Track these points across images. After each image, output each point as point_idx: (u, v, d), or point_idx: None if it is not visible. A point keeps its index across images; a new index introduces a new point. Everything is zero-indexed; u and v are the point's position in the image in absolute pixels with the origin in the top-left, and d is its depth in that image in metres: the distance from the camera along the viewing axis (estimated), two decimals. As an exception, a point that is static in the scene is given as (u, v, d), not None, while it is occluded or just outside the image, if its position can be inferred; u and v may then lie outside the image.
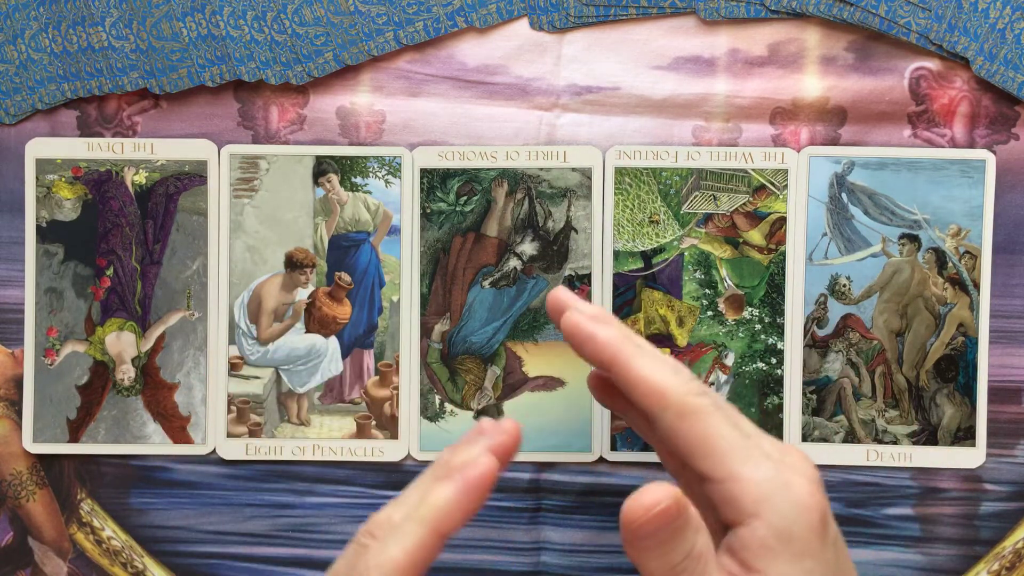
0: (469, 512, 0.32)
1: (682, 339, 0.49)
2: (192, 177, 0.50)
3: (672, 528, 0.31)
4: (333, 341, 0.50)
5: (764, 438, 0.34)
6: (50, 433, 0.50)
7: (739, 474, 0.32)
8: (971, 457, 0.49)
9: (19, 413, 0.50)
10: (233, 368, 0.50)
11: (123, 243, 0.50)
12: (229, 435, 0.50)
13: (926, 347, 0.49)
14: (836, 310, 0.49)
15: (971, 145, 0.49)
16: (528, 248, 0.50)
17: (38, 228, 0.50)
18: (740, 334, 0.49)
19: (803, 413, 0.49)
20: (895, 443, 0.49)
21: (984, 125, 0.49)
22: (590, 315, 0.36)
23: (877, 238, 0.49)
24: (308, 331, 0.50)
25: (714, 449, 0.33)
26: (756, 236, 0.49)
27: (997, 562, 0.49)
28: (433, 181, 0.49)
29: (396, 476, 0.50)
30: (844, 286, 0.49)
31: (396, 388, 0.50)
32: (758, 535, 0.32)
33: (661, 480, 0.33)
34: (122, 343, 0.50)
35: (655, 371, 0.34)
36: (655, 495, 0.31)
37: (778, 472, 0.32)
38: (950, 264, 0.49)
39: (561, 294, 0.37)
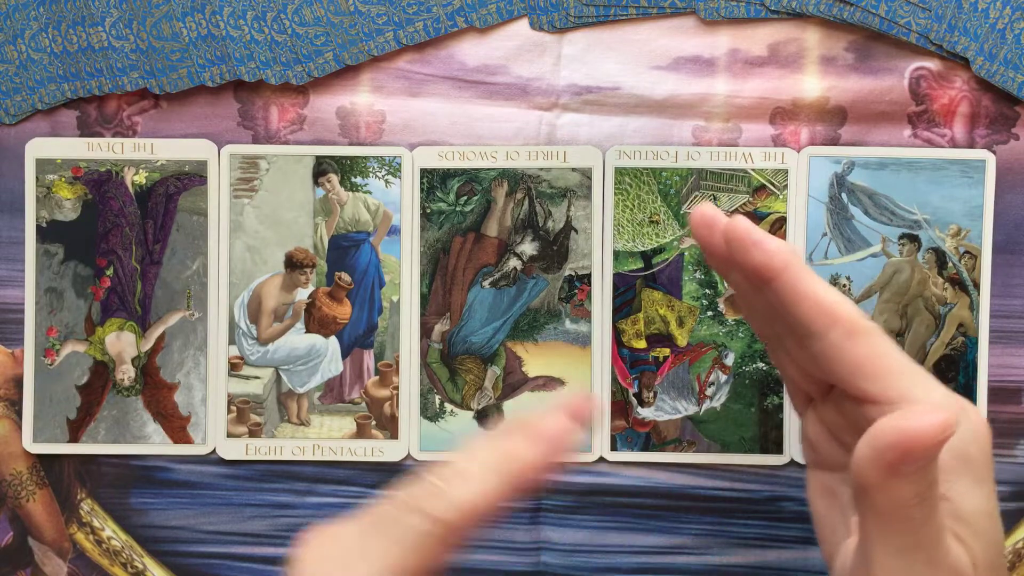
0: (543, 466, 0.31)
1: (682, 339, 0.49)
2: (192, 177, 0.50)
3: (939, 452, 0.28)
4: (333, 341, 0.50)
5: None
6: (50, 433, 0.50)
7: (914, 395, 0.31)
8: (971, 457, 0.49)
9: (19, 413, 0.50)
10: (233, 368, 0.50)
11: (123, 243, 0.50)
12: (229, 435, 0.50)
13: (926, 347, 0.49)
14: (836, 310, 0.49)
15: (971, 145, 0.49)
16: (528, 248, 0.50)
17: (38, 228, 0.50)
18: (740, 334, 0.49)
19: (803, 413, 0.49)
20: (895, 443, 0.49)
21: (984, 125, 0.49)
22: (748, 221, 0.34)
23: (877, 238, 0.49)
24: (308, 331, 0.50)
25: (886, 370, 0.31)
26: (756, 236, 0.49)
27: (997, 562, 0.49)
28: (433, 181, 0.49)
29: (396, 476, 0.50)
30: (844, 286, 0.49)
31: (396, 388, 0.50)
32: (939, 457, 0.29)
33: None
34: (122, 343, 0.50)
35: (825, 288, 0.32)
36: (943, 416, 0.28)
37: (953, 396, 0.31)
38: (950, 264, 0.49)
39: (710, 208, 0.35)
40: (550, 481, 0.33)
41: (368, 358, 0.50)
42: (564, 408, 0.32)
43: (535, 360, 0.50)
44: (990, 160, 0.48)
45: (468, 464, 0.31)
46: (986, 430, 0.32)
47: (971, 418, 0.31)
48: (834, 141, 0.49)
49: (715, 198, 0.49)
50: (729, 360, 0.49)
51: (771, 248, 0.33)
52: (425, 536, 0.30)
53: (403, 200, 0.49)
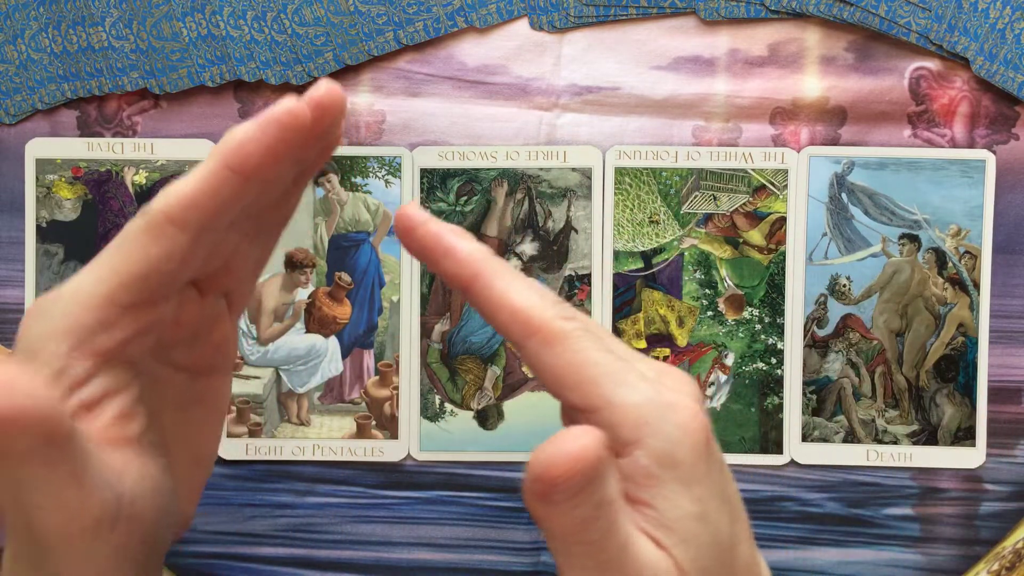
0: (265, 145, 0.28)
1: (682, 339, 0.49)
2: (192, 177, 0.50)
3: (596, 477, 0.27)
4: (333, 341, 0.50)
5: (641, 360, 0.31)
6: (50, 433, 0.50)
7: (614, 400, 0.28)
8: (971, 457, 0.49)
9: (19, 413, 0.50)
10: (233, 368, 0.50)
11: (123, 243, 0.50)
12: (229, 435, 0.50)
13: (926, 347, 0.49)
14: (836, 310, 0.49)
15: (971, 145, 0.49)
16: (528, 248, 0.50)
17: (38, 228, 0.50)
18: (740, 334, 0.49)
19: (803, 413, 0.49)
20: (895, 443, 0.49)
21: (984, 125, 0.49)
22: (450, 228, 0.31)
23: (877, 238, 0.49)
24: (308, 331, 0.50)
25: (586, 377, 0.29)
26: (756, 236, 0.49)
27: (997, 562, 0.49)
28: (433, 181, 0.49)
29: (396, 476, 0.50)
30: (844, 286, 0.49)
31: (396, 388, 0.50)
32: (640, 464, 0.28)
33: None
34: (122, 343, 0.50)
35: (519, 292, 0.29)
36: (584, 440, 0.26)
37: (657, 393, 0.29)
38: (950, 264, 0.49)
39: (411, 209, 0.31)
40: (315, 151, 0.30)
41: (368, 358, 0.50)
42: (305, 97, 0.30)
43: (535, 360, 0.50)
44: (990, 160, 0.48)
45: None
46: (698, 426, 0.29)
47: (677, 418, 0.29)
48: (834, 141, 0.49)
49: (715, 198, 0.49)
50: (729, 360, 0.49)
51: (461, 256, 0.30)
52: (143, 231, 0.29)
53: (403, 200, 0.49)
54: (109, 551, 0.29)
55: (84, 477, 0.27)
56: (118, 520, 0.29)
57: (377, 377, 0.50)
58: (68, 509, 0.27)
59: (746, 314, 0.49)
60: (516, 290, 0.30)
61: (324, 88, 0.29)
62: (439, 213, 0.49)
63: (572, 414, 0.30)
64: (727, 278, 0.49)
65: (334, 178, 0.50)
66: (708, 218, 0.49)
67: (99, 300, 0.29)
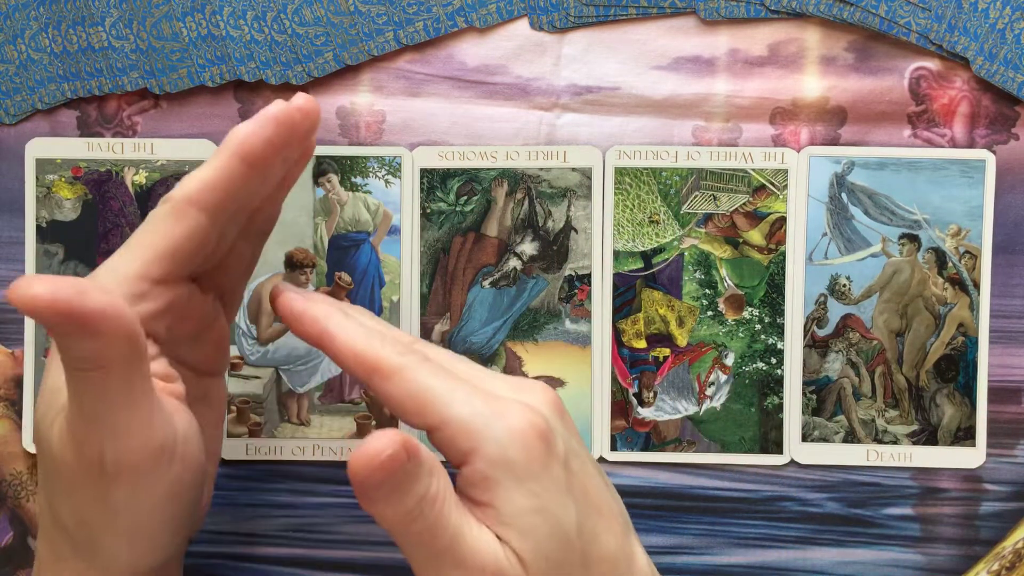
0: (265, 138, 0.34)
1: (682, 339, 0.49)
2: (192, 177, 0.50)
3: (402, 474, 0.30)
4: (333, 341, 0.50)
5: (494, 378, 0.34)
6: (50, 433, 0.50)
7: (446, 417, 0.32)
8: (971, 457, 0.49)
9: (19, 413, 0.50)
10: (233, 368, 0.50)
11: (123, 243, 0.50)
12: (229, 435, 0.50)
13: (926, 347, 0.49)
14: (836, 310, 0.49)
15: (971, 145, 0.49)
16: (528, 248, 0.50)
17: (38, 228, 0.50)
18: (740, 334, 0.49)
19: (803, 413, 0.49)
20: (895, 443, 0.49)
21: (984, 125, 0.49)
22: (304, 295, 0.36)
23: (877, 238, 0.49)
24: (308, 331, 0.50)
25: (422, 402, 0.32)
26: (756, 236, 0.49)
27: (997, 562, 0.49)
28: (433, 181, 0.49)
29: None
30: (844, 286, 0.49)
31: (396, 388, 0.50)
32: (478, 469, 0.31)
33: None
34: (122, 343, 0.50)
35: (359, 339, 0.33)
36: (379, 443, 0.29)
37: (488, 404, 0.32)
38: (950, 264, 0.49)
39: (279, 284, 0.37)
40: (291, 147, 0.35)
41: (368, 358, 0.50)
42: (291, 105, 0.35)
43: (535, 360, 0.50)
44: (990, 160, 0.48)
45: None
46: (527, 426, 0.32)
47: (507, 423, 0.32)
48: (834, 141, 0.49)
49: (715, 198, 0.49)
50: (729, 360, 0.49)
51: (308, 320, 0.34)
52: (168, 214, 0.34)
53: (403, 200, 0.49)
54: (165, 486, 0.32)
55: (154, 402, 0.31)
56: (174, 455, 0.32)
57: (377, 377, 0.50)
58: (141, 434, 0.31)
59: (746, 314, 0.49)
60: (355, 337, 0.33)
61: (303, 98, 0.35)
62: (439, 213, 0.49)
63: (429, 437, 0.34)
64: (727, 278, 0.49)
65: (334, 178, 0.50)
66: (708, 218, 0.49)
67: (134, 274, 0.33)
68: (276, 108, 0.34)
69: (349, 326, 0.34)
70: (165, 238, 0.33)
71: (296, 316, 0.35)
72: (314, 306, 0.35)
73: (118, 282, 0.33)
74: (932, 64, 0.49)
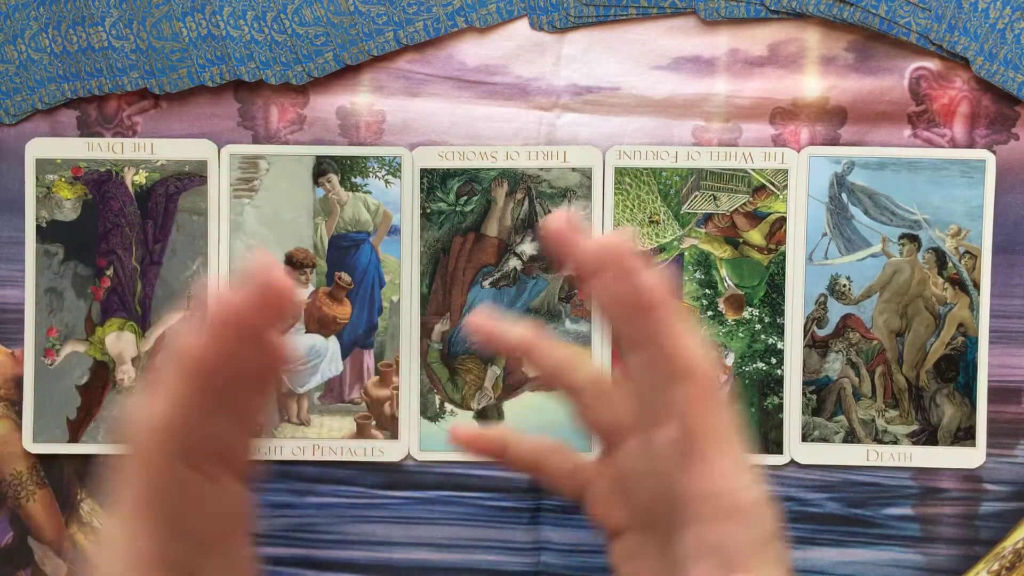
0: (216, 345, 0.28)
1: (682, 339, 0.49)
2: (192, 177, 0.50)
3: None
4: (333, 341, 0.50)
5: None
6: (50, 433, 0.50)
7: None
8: (971, 457, 0.49)
9: (19, 413, 0.50)
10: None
11: (123, 243, 0.50)
12: (229, 435, 0.50)
13: (926, 347, 0.49)
14: (836, 310, 0.49)
15: (971, 145, 0.49)
16: (528, 248, 0.50)
17: (38, 228, 0.50)
18: (740, 334, 0.49)
19: (803, 413, 0.49)
20: (895, 443, 0.49)
21: (984, 125, 0.49)
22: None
23: (877, 238, 0.49)
24: (308, 331, 0.50)
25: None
26: (756, 236, 0.49)
27: (997, 562, 0.49)
28: (433, 181, 0.49)
29: (396, 476, 0.50)
30: (844, 286, 0.49)
31: (396, 388, 0.50)
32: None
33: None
34: (122, 343, 0.50)
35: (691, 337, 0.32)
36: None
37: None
38: (950, 264, 0.49)
39: (566, 219, 0.33)
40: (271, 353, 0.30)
41: (368, 358, 0.50)
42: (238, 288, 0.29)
43: (535, 360, 0.50)
44: (990, 160, 0.48)
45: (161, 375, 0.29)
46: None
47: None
48: (834, 141, 0.49)
49: (715, 198, 0.49)
50: (729, 360, 0.49)
51: (650, 283, 0.32)
52: (136, 464, 0.29)
53: (403, 200, 0.49)
54: None
55: None
56: None
57: (377, 377, 0.50)
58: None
59: (746, 314, 0.49)
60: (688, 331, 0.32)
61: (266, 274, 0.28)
62: (439, 213, 0.49)
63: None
64: (727, 278, 0.49)
65: (334, 178, 0.50)
66: (708, 218, 0.49)
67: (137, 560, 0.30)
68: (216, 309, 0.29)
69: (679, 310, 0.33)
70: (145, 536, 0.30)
71: (633, 269, 0.32)
72: (648, 273, 0.32)
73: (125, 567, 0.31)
74: (932, 64, 0.49)
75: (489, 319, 0.36)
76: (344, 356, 0.50)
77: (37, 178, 0.50)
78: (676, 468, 0.33)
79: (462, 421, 0.41)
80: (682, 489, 0.32)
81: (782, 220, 0.49)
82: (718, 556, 0.31)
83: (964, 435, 0.49)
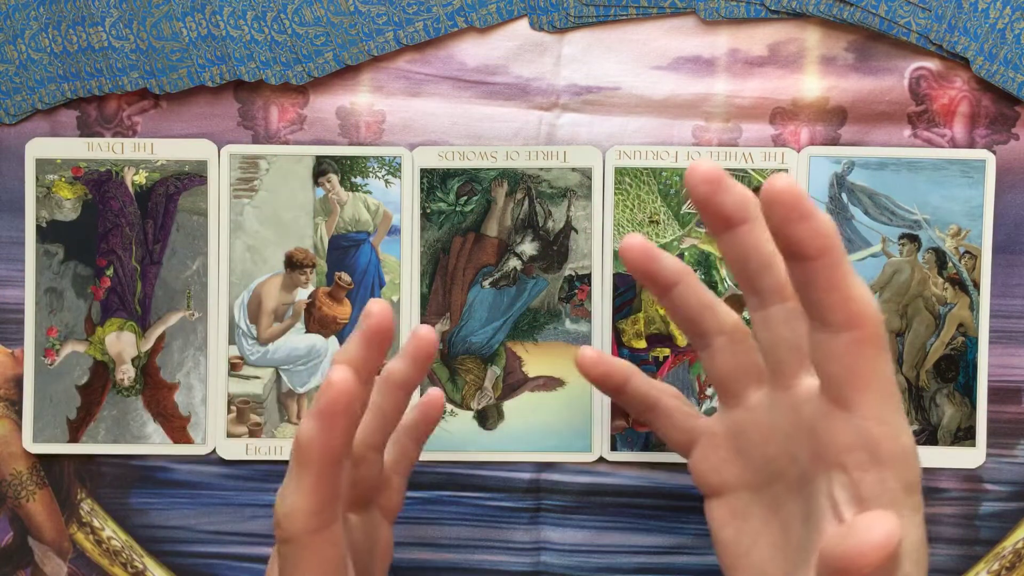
0: (333, 437, 0.31)
1: (682, 339, 0.49)
2: (192, 177, 0.50)
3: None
4: (333, 341, 0.50)
5: None
6: (50, 433, 0.50)
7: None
8: (971, 457, 0.49)
9: (19, 413, 0.50)
10: (233, 368, 0.50)
11: (123, 243, 0.50)
12: (229, 435, 0.50)
13: (926, 347, 0.49)
14: (836, 310, 0.49)
15: (971, 145, 0.49)
16: (528, 248, 0.50)
17: (38, 228, 0.50)
18: (740, 334, 0.49)
19: (803, 413, 0.49)
20: (895, 443, 0.49)
21: (984, 125, 0.49)
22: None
23: (877, 238, 0.49)
24: (308, 331, 0.50)
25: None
26: (756, 236, 0.49)
27: (997, 562, 0.49)
28: (433, 181, 0.49)
29: (396, 476, 0.50)
30: (844, 286, 0.49)
31: (396, 388, 0.50)
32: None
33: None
34: (122, 343, 0.50)
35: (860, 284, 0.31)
36: (883, 530, 0.28)
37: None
38: (950, 264, 0.49)
39: (709, 165, 0.34)
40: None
41: (368, 358, 0.50)
42: (349, 359, 0.33)
43: (535, 360, 0.50)
44: (990, 160, 0.48)
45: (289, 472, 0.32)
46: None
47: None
48: (834, 141, 0.49)
49: (715, 198, 0.49)
50: (729, 360, 0.49)
51: (821, 225, 0.30)
52: (284, 556, 0.32)
53: (403, 200, 0.49)
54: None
55: None
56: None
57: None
58: None
59: (746, 315, 0.49)
60: (857, 281, 0.31)
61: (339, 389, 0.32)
62: (439, 213, 0.49)
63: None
64: (727, 278, 0.49)
65: (334, 178, 0.50)
66: (708, 218, 0.49)
67: None
68: (330, 396, 0.31)
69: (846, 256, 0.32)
70: None
71: (810, 212, 0.30)
72: (818, 213, 0.31)
73: None
74: (932, 64, 0.49)
75: (645, 243, 0.37)
76: (344, 356, 0.50)
77: (37, 178, 0.50)
78: (822, 418, 0.32)
79: (590, 347, 0.42)
80: (831, 439, 0.31)
81: (782, 220, 0.49)
82: (869, 503, 0.30)
83: (964, 435, 0.49)
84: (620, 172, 0.49)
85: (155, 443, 0.50)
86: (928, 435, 0.49)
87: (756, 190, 0.49)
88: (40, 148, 0.50)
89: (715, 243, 0.49)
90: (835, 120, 0.49)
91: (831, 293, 0.31)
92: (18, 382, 0.50)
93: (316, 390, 0.50)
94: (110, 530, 0.50)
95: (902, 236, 0.49)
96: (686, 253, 0.49)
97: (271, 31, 0.48)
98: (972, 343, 0.49)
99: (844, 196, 0.49)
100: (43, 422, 0.50)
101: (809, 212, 0.30)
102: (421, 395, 0.47)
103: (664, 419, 0.41)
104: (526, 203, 0.49)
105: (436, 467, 0.50)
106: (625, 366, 0.42)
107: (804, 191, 0.30)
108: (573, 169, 0.49)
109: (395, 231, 0.50)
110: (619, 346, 0.49)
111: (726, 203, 0.34)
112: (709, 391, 0.49)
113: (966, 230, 0.49)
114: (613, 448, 0.49)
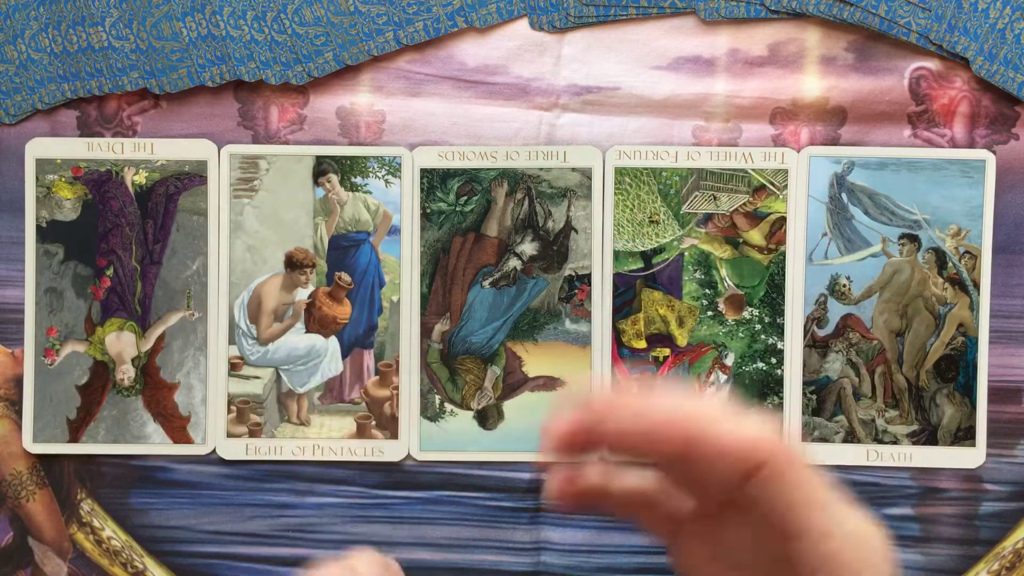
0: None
1: (682, 339, 0.49)
2: (192, 177, 0.50)
3: None
4: (333, 341, 0.50)
5: None
6: (50, 433, 0.50)
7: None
8: (971, 457, 0.49)
9: (19, 413, 0.50)
10: (233, 368, 0.50)
11: (123, 243, 0.50)
12: (229, 435, 0.50)
13: (926, 347, 0.49)
14: (836, 310, 0.49)
15: (971, 145, 0.49)
16: (528, 248, 0.50)
17: (38, 228, 0.50)
18: (740, 334, 0.49)
19: (803, 413, 0.49)
20: (895, 443, 0.49)
21: (984, 125, 0.49)
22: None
23: (877, 238, 0.49)
24: (308, 331, 0.50)
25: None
26: (756, 236, 0.49)
27: (997, 562, 0.49)
28: (433, 181, 0.49)
29: (396, 476, 0.50)
30: (844, 286, 0.49)
31: (396, 388, 0.50)
32: None
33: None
34: (122, 343, 0.50)
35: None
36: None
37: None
38: (950, 264, 0.49)
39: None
40: None
41: (368, 358, 0.50)
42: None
43: (535, 360, 0.50)
44: (990, 160, 0.48)
45: None
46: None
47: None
48: (834, 141, 0.49)
49: (715, 198, 0.49)
50: (729, 360, 0.49)
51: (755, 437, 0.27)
52: None
53: (403, 200, 0.49)
54: None
55: None
56: None
57: (377, 377, 0.50)
58: None
59: (746, 314, 0.49)
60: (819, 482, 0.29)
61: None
62: (439, 213, 0.49)
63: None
64: (727, 278, 0.49)
65: (334, 178, 0.50)
66: (708, 218, 0.49)
67: None
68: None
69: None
70: None
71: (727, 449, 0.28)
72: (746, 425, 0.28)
73: None
74: (932, 64, 0.48)
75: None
76: (344, 356, 0.50)
77: (37, 178, 0.50)
78: (785, 542, 0.31)
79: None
80: (800, 559, 0.31)
81: (782, 220, 0.49)
82: None
83: (964, 435, 0.49)
84: (620, 172, 0.49)
85: (155, 443, 0.50)
86: (928, 435, 0.49)
87: (758, 190, 0.49)
88: (40, 148, 0.50)
89: (715, 244, 0.49)
90: (835, 120, 0.49)
91: (721, 460, 0.27)
92: (18, 382, 0.50)
93: (316, 390, 0.50)
94: (110, 530, 0.50)
95: (902, 236, 0.49)
96: (686, 253, 0.49)
97: (271, 31, 0.48)
98: (972, 343, 0.49)
99: (844, 196, 0.49)
100: (43, 422, 0.50)
101: (648, 424, 0.27)
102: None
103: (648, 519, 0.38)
104: (526, 203, 0.49)
105: (436, 467, 0.50)
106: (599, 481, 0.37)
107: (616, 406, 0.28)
108: (573, 169, 0.49)
109: (395, 231, 0.50)
110: (619, 346, 0.49)
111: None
112: (709, 391, 0.49)
113: (966, 230, 0.49)
114: (613, 448, 0.49)
